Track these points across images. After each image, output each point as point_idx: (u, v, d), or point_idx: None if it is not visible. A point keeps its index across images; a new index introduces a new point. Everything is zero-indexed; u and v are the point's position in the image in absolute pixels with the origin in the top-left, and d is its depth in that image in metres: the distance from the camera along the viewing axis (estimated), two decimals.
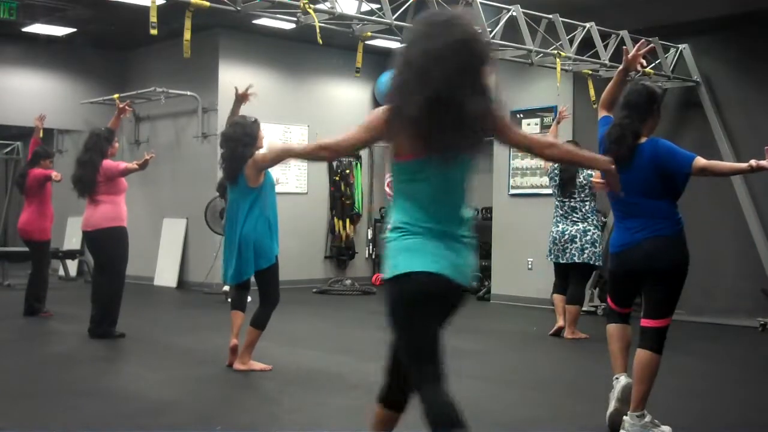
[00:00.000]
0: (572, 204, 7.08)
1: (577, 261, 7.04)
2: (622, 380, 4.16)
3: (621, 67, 4.24)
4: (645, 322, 4.02)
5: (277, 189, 5.68)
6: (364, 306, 9.55)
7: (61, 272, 12.08)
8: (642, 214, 4.00)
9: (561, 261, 7.13)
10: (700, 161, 3.92)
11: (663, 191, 3.99)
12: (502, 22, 7.32)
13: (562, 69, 7.75)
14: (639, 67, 4.33)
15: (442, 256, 2.68)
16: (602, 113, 4.34)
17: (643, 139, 4.03)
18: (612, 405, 4.17)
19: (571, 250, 7.04)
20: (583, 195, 7.04)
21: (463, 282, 2.76)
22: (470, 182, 2.87)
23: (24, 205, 8.18)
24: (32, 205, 8.05)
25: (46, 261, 8.32)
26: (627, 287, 4.26)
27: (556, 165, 7.26)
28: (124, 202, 6.92)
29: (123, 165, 6.86)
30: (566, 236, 7.06)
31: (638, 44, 4.33)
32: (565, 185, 7.05)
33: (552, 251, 7.20)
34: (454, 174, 2.77)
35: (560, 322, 7.19)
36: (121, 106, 7.19)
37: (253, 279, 5.43)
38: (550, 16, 7.58)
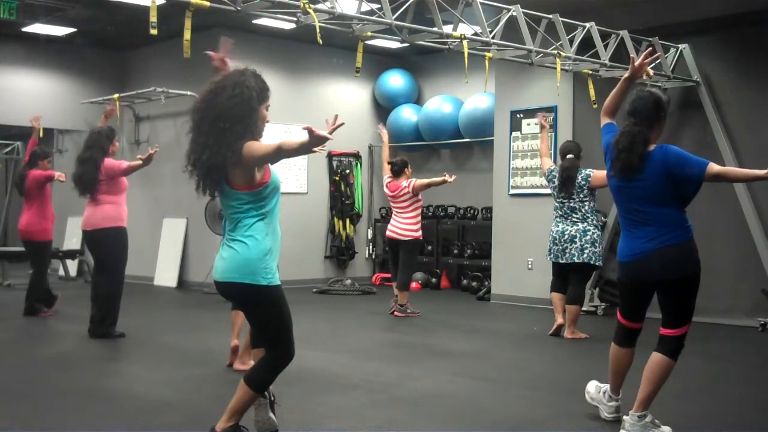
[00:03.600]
0: (572, 204, 7.08)
1: (576, 261, 7.05)
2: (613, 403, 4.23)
3: (626, 75, 4.14)
4: (664, 331, 4.00)
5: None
6: (364, 306, 9.55)
7: (61, 272, 12.08)
8: (652, 223, 3.96)
9: (561, 261, 7.14)
10: (713, 167, 3.88)
11: (673, 199, 3.95)
12: (502, 22, 7.31)
13: (562, 69, 7.75)
14: (645, 77, 4.28)
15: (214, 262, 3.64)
16: (605, 120, 4.26)
17: (652, 147, 3.99)
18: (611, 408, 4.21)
19: (570, 250, 7.05)
20: (582, 195, 7.04)
21: (218, 278, 3.57)
22: (235, 202, 3.54)
23: (23, 207, 8.17)
24: (33, 207, 8.03)
25: (47, 261, 8.31)
26: (638, 297, 4.16)
27: (553, 167, 7.26)
28: (125, 201, 6.91)
29: (126, 164, 6.83)
30: (566, 236, 7.07)
31: (645, 52, 4.29)
32: (564, 185, 7.05)
33: (552, 251, 7.20)
34: (222, 200, 3.61)
35: (559, 320, 7.19)
36: (108, 108, 7.17)
37: None
38: (550, 16, 7.57)
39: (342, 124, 3.35)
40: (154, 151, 6.66)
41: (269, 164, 3.56)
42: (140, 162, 6.70)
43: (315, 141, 3.23)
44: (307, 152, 3.35)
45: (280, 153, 3.41)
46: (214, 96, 3.50)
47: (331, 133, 3.26)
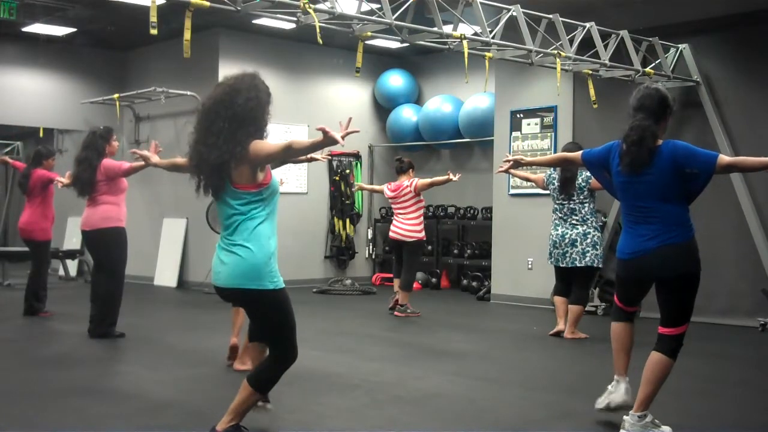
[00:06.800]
0: (571, 206, 7.07)
1: (579, 265, 7.02)
2: (621, 389, 4.18)
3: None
4: (662, 330, 4.00)
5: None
6: (364, 306, 9.55)
7: (61, 272, 12.07)
8: (655, 221, 3.95)
9: (561, 265, 7.12)
10: (724, 159, 3.89)
11: (680, 194, 3.94)
12: (502, 22, 7.32)
13: (562, 69, 7.75)
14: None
15: (212, 266, 3.67)
16: (577, 153, 4.49)
17: (659, 142, 3.99)
18: (602, 402, 4.21)
19: (572, 254, 7.02)
20: (582, 197, 7.03)
21: (221, 284, 3.59)
22: (236, 202, 3.55)
23: (25, 205, 8.17)
24: (34, 206, 8.03)
25: (46, 261, 8.31)
26: (636, 292, 4.23)
27: (551, 171, 7.23)
28: (124, 202, 6.89)
29: (126, 165, 6.78)
30: (566, 240, 7.04)
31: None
32: (564, 186, 7.03)
33: (552, 254, 7.18)
34: (222, 202, 3.60)
35: (560, 326, 7.17)
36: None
37: None
38: (550, 16, 7.57)
39: (357, 131, 3.44)
40: (157, 151, 6.47)
41: (271, 165, 3.59)
42: (142, 163, 6.53)
43: (328, 142, 3.30)
44: (315, 151, 3.41)
45: (289, 151, 3.48)
46: (231, 99, 3.53)
47: (343, 137, 3.30)
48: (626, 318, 4.25)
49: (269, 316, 3.61)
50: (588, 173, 6.99)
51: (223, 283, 3.57)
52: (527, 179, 7.57)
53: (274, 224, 3.62)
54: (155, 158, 4.65)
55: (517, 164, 5.00)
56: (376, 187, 9.26)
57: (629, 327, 4.24)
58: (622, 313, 4.27)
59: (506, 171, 5.48)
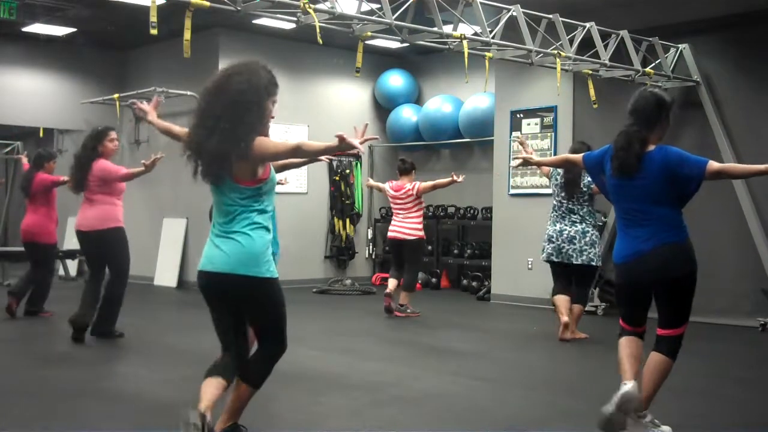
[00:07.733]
0: (570, 206, 7.04)
1: (575, 262, 6.99)
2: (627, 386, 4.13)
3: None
4: (662, 332, 3.98)
5: (278, 189, 5.60)
6: (364, 306, 9.55)
7: (61, 272, 12.07)
8: (649, 223, 3.95)
9: (556, 260, 7.02)
10: (713, 165, 3.88)
11: (672, 198, 3.94)
12: (502, 22, 7.32)
13: (562, 69, 7.75)
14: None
15: (204, 254, 3.53)
16: (577, 157, 4.49)
17: (652, 147, 3.98)
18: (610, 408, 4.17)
19: (568, 250, 6.98)
20: (582, 199, 7.02)
21: (217, 269, 3.46)
22: (235, 195, 3.49)
23: (27, 208, 8.11)
24: (38, 210, 7.94)
25: (52, 264, 8.24)
26: (637, 300, 4.08)
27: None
28: (121, 203, 6.82)
29: (124, 170, 6.75)
30: (564, 235, 7.01)
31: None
32: (566, 187, 7.02)
33: (544, 249, 7.10)
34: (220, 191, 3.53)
35: (565, 318, 6.86)
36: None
37: None
38: (550, 16, 7.58)
39: (376, 138, 3.43)
40: (160, 156, 6.40)
41: (271, 162, 3.57)
42: (142, 168, 6.48)
43: (344, 148, 3.28)
44: (325, 155, 3.41)
45: (298, 152, 3.48)
46: (226, 80, 3.49)
47: (362, 143, 3.30)
48: (633, 334, 4.06)
49: (264, 304, 3.58)
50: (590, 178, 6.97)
51: (218, 269, 3.47)
52: (543, 173, 7.61)
53: (272, 215, 3.62)
54: (153, 115, 4.45)
55: (526, 162, 5.03)
56: (380, 184, 9.21)
57: (637, 339, 4.05)
58: (630, 332, 4.07)
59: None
